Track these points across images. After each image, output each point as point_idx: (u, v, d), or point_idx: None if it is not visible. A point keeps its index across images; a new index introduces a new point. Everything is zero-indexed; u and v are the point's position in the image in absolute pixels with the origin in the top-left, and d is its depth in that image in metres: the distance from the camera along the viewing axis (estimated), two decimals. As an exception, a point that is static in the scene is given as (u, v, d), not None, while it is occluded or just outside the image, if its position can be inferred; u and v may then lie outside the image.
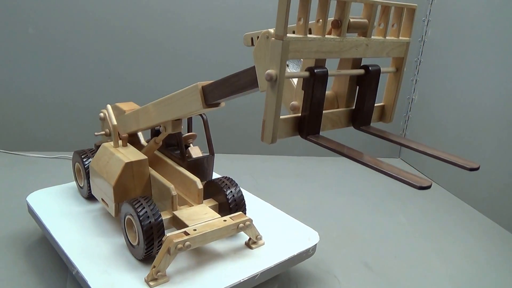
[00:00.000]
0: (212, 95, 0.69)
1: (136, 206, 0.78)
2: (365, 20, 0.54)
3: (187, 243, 0.74)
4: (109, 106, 0.97)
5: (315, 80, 0.50)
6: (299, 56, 0.49)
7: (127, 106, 0.99)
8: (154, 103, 0.85)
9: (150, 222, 0.77)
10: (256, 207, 1.06)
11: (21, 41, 1.53)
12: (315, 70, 0.50)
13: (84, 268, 0.77)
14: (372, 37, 0.56)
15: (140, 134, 1.07)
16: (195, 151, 0.97)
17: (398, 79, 0.63)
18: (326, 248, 1.12)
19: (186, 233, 0.76)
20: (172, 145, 1.02)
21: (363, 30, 0.55)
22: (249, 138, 1.78)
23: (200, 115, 0.96)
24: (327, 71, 0.52)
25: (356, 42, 0.54)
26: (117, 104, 1.01)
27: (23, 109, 1.62)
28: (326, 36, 0.51)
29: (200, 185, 0.87)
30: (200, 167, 0.96)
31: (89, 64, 1.62)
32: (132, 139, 1.07)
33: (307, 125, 0.52)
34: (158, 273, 0.74)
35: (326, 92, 0.63)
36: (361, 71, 0.58)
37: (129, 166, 0.86)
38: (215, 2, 1.61)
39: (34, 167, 1.52)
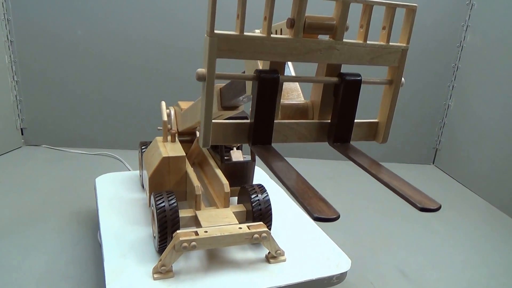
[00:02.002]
0: (225, 97, 0.68)
1: (156, 199, 0.81)
2: (331, 22, 0.47)
3: (193, 243, 0.74)
4: (163, 103, 1.03)
5: (260, 85, 0.45)
6: (237, 56, 0.44)
7: (186, 105, 1.04)
8: (194, 102, 0.87)
9: (165, 216, 0.79)
10: (290, 217, 1.02)
11: (67, 42, 1.66)
12: (261, 74, 0.45)
13: (108, 248, 0.84)
14: (345, 40, 0.48)
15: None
16: (236, 155, 0.97)
17: (393, 93, 0.53)
18: (361, 253, 1.13)
19: (196, 233, 0.76)
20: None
21: (329, 32, 0.47)
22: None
23: (246, 118, 0.95)
24: (278, 76, 0.46)
25: (318, 45, 0.46)
26: (179, 102, 1.06)
27: (66, 108, 1.76)
28: (273, 35, 0.45)
29: (227, 189, 0.87)
30: (238, 171, 0.96)
31: (133, 64, 1.71)
32: (193, 137, 1.12)
33: (254, 134, 0.48)
34: (162, 267, 0.75)
35: (303, 101, 0.57)
36: (334, 79, 0.50)
37: (165, 160, 0.90)
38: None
39: (76, 162, 1.64)
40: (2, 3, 1.56)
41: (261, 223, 0.83)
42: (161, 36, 1.69)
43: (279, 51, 0.45)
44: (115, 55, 1.70)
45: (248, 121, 0.49)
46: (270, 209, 0.87)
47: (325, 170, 1.75)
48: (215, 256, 0.84)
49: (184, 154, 0.92)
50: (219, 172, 0.92)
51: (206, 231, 0.77)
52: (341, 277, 0.83)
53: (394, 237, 1.27)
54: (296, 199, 0.38)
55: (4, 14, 1.58)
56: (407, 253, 1.19)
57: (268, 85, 0.46)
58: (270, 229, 0.88)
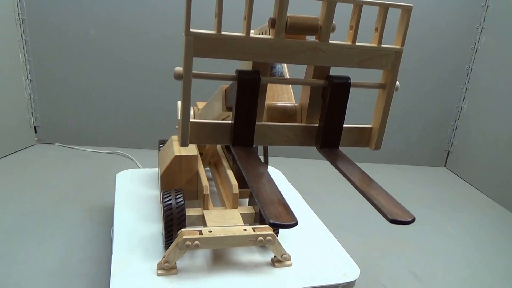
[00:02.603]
0: (228, 98, 0.68)
1: (164, 197, 0.81)
2: (315, 22, 0.45)
3: (196, 242, 0.74)
4: (179, 103, 1.04)
5: (240, 86, 0.45)
6: (215, 56, 0.44)
7: (203, 105, 1.04)
8: (207, 102, 0.88)
9: (171, 213, 0.79)
10: (302, 221, 1.00)
11: (81, 41, 1.67)
12: (240, 74, 0.45)
13: (118, 242, 0.84)
14: (331, 41, 0.46)
15: None
16: (247, 157, 0.97)
17: (386, 97, 0.51)
18: (374, 255, 1.14)
19: (200, 233, 0.75)
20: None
21: (313, 32, 0.46)
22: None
23: None
24: (259, 77, 0.45)
25: (301, 46, 0.45)
26: (197, 102, 1.07)
27: (79, 106, 1.76)
28: (252, 35, 0.44)
29: (235, 190, 0.86)
30: (247, 173, 0.95)
31: (148, 64, 1.71)
32: None
33: (234, 135, 0.47)
34: (166, 264, 0.75)
35: (292, 103, 0.56)
36: (321, 81, 0.49)
37: (177, 159, 0.90)
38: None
39: (88, 160, 1.65)
40: (17, 3, 1.59)
41: (267, 225, 0.82)
42: (176, 35, 1.69)
43: (260, 52, 0.44)
44: (129, 54, 1.71)
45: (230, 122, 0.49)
46: (278, 212, 0.86)
47: (335, 172, 1.73)
48: (221, 256, 0.83)
49: (197, 153, 0.92)
50: (230, 173, 0.92)
51: (210, 231, 0.76)
52: (348, 286, 0.81)
53: (406, 239, 1.27)
54: (258, 203, 0.37)
55: (18, 14, 1.60)
56: (419, 255, 1.19)
57: (248, 86, 0.45)
58: (277, 232, 0.87)
